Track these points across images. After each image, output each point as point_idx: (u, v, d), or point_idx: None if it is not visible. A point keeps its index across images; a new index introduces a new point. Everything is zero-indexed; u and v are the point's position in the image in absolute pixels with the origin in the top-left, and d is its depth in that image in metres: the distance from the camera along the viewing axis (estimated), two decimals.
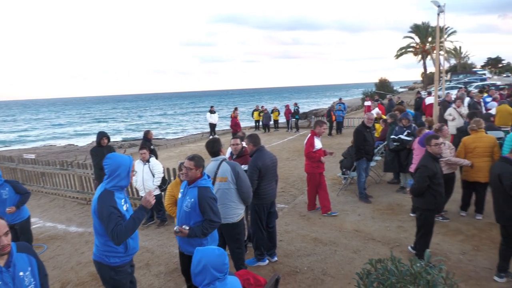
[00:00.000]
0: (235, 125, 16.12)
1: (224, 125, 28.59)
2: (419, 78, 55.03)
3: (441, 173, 4.50)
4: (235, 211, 4.11)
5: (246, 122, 27.88)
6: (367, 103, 19.39)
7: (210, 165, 4.12)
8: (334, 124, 17.40)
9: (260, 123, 22.05)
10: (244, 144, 5.12)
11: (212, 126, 20.22)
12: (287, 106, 21.25)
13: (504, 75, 75.30)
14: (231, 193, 4.04)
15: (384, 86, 42.97)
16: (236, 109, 17.71)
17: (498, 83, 29.93)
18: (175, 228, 3.48)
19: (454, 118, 9.48)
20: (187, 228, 3.42)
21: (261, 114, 21.28)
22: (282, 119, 22.04)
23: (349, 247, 5.32)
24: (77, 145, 26.48)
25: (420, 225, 4.62)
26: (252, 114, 22.83)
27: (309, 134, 6.61)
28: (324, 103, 56.98)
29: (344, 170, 8.11)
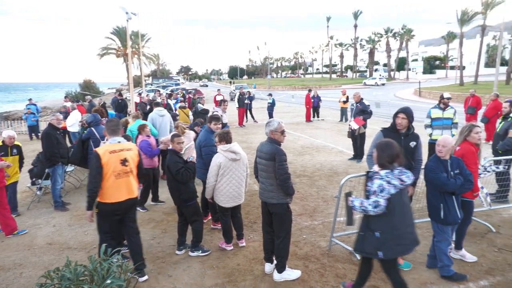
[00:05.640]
0: None
1: None
2: (126, 80, 57.08)
3: None
4: None
5: None
6: (67, 104, 18.03)
7: None
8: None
9: None
10: None
11: None
12: None
13: (202, 83, 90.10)
14: None
15: (89, 87, 41.61)
16: None
17: (187, 88, 36.07)
18: None
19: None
20: None
21: None
22: None
23: (39, 265, 4.80)
24: None
25: None
26: None
27: None
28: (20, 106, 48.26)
29: (34, 179, 7.19)
